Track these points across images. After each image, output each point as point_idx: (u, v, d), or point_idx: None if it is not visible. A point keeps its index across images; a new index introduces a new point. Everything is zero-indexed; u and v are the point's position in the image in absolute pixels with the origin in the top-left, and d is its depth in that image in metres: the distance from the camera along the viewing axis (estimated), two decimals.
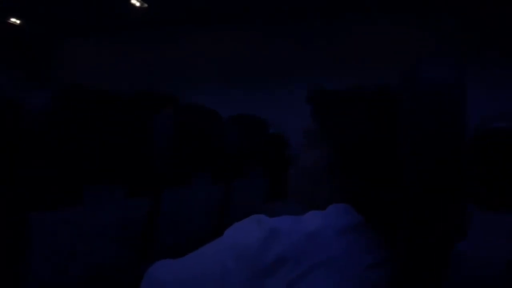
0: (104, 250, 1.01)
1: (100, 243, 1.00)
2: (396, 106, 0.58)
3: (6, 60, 2.59)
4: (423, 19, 4.05)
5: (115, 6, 2.51)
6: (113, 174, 1.10)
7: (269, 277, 0.52)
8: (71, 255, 0.96)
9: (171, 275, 0.61)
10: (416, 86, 0.52)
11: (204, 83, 3.82)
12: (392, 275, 0.56)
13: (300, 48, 4.14)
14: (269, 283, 0.52)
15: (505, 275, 0.95)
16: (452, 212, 0.53)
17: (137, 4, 2.67)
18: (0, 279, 0.96)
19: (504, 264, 0.97)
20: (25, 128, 1.12)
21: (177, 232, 1.40)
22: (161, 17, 2.93)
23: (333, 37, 4.19)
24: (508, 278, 0.95)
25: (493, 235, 1.05)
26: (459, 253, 0.63)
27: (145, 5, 2.68)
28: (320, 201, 0.62)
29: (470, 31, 3.90)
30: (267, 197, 2.09)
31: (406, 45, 3.91)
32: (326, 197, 0.62)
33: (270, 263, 0.52)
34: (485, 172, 1.28)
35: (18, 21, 2.41)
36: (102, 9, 2.39)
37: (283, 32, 4.12)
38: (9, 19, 2.38)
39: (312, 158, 0.66)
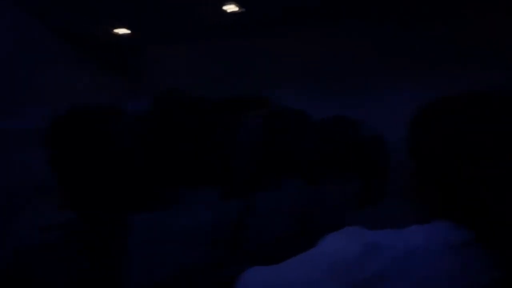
0: (197, 251, 1.04)
1: (193, 243, 1.03)
2: None
3: (107, 68, 2.79)
4: None
5: (205, 12, 2.60)
6: (207, 177, 1.13)
7: None
8: (166, 254, 1.00)
9: (264, 283, 0.60)
10: None
11: (296, 86, 3.81)
12: None
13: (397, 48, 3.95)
14: None
15: None
16: None
17: (228, 9, 2.75)
18: (99, 276, 1.02)
19: None
20: (125, 133, 1.18)
21: (266, 235, 1.40)
22: (250, 21, 2.98)
23: (439, 37, 3.93)
24: None
25: None
26: None
27: (235, 9, 2.75)
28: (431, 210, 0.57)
29: None
30: (360, 202, 2.02)
31: None
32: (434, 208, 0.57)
33: (368, 279, 0.49)
34: None
35: (121, 31, 2.59)
36: (193, 15, 2.49)
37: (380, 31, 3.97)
38: (113, 29, 2.57)
39: (421, 166, 0.60)
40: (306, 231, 1.58)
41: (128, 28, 2.66)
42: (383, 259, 0.49)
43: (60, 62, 2.59)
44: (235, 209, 1.21)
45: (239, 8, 2.65)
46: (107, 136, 1.15)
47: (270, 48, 3.39)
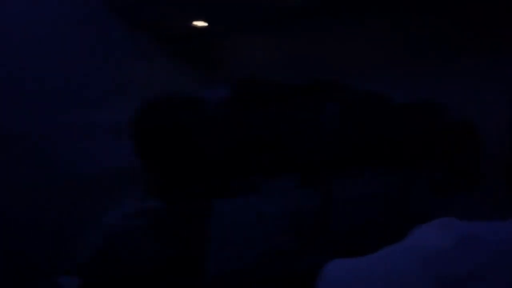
0: (277, 239, 1.04)
1: (274, 231, 1.03)
2: None
3: (187, 61, 2.87)
4: None
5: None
6: (287, 164, 1.12)
7: None
8: (247, 241, 1.01)
9: (348, 275, 0.58)
10: None
11: (375, 70, 3.67)
12: None
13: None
14: None
15: None
16: None
17: None
18: (183, 262, 1.05)
19: None
20: (206, 121, 1.20)
21: (348, 225, 1.37)
22: (323, 4, 2.91)
23: None
24: None
25: None
26: None
27: None
28: None
29: None
30: (448, 191, 1.91)
31: None
32: None
33: (463, 275, 0.45)
34: None
35: (199, 24, 2.65)
36: (269, 4, 2.47)
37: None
38: (193, 21, 2.63)
39: None
40: (390, 221, 1.53)
41: (205, 21, 2.71)
42: (479, 253, 0.45)
43: (141, 56, 2.71)
44: (314, 198, 1.20)
45: None
46: (187, 124, 1.18)
47: (347, 33, 3.29)
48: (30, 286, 2.13)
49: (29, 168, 2.24)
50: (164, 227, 1.15)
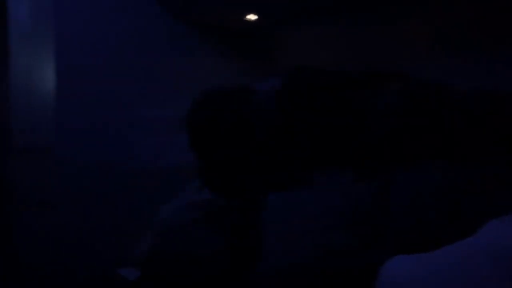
0: (332, 234, 1.00)
1: (330, 226, 1.00)
2: None
3: (241, 55, 2.87)
4: None
5: None
6: (343, 156, 1.08)
7: None
8: (302, 236, 0.98)
9: (411, 273, 0.54)
10: None
11: (434, 58, 3.50)
12: None
13: None
14: None
15: None
16: None
17: None
18: (238, 256, 1.04)
19: None
20: (257, 113, 1.18)
21: (409, 219, 1.30)
22: None
23: None
24: None
25: None
26: None
27: None
28: None
29: None
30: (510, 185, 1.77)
31: None
32: None
33: None
34: None
35: (253, 17, 2.64)
36: None
37: None
38: (245, 16, 2.63)
39: None
40: (453, 217, 1.44)
41: (256, 14, 2.70)
42: None
43: (196, 52, 2.74)
44: (372, 192, 1.14)
45: None
46: (240, 116, 1.17)
47: (405, 20, 3.15)
48: (90, 277, 2.22)
49: (94, 162, 2.34)
50: (219, 221, 1.15)
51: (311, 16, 2.74)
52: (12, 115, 2.99)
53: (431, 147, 1.42)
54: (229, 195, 1.20)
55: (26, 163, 2.67)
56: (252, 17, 2.65)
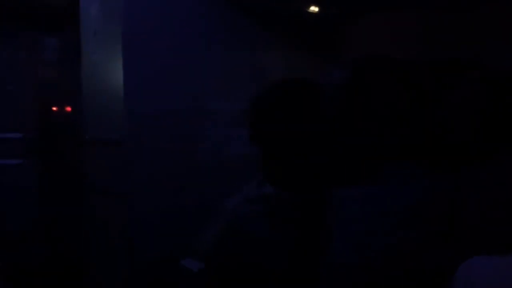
0: (405, 232, 0.95)
1: (402, 224, 0.94)
2: None
3: (305, 47, 2.81)
4: None
5: None
6: (415, 149, 1.02)
7: None
8: (374, 233, 0.93)
9: (490, 275, 0.49)
10: None
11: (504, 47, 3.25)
12: None
13: None
14: None
15: None
16: None
17: None
18: (301, 251, 1.02)
19: None
20: (324, 104, 1.14)
21: (486, 217, 1.21)
22: None
23: None
24: None
25: None
26: None
27: None
28: None
29: None
30: None
31: None
32: None
33: None
34: None
35: (316, 9, 2.58)
36: None
37: None
38: (309, 8, 2.58)
39: None
40: None
41: (317, 5, 2.64)
42: None
43: (259, 45, 2.72)
44: (448, 187, 1.07)
45: None
46: (304, 108, 1.14)
47: (476, 7, 2.94)
48: (156, 267, 2.29)
49: (161, 154, 2.40)
50: (283, 215, 1.13)
51: (376, 5, 2.64)
52: (84, 109, 3.15)
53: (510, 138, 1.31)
54: (293, 190, 1.17)
55: (97, 155, 2.80)
56: (314, 8, 2.60)
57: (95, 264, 2.80)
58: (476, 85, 1.13)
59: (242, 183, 1.30)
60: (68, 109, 3.95)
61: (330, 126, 1.10)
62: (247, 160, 2.47)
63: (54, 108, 3.97)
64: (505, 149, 1.27)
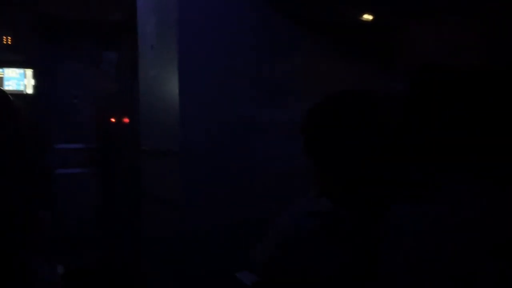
0: (466, 254, 0.90)
1: (463, 246, 0.90)
2: None
3: (359, 55, 2.77)
4: None
5: None
6: (476, 165, 0.97)
7: None
8: (429, 254, 0.90)
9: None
10: None
11: None
12: None
13: None
14: None
15: None
16: None
17: None
18: (356, 267, 0.99)
19: None
20: (383, 118, 1.12)
21: None
22: None
23: None
24: None
25: None
26: None
27: None
28: None
29: None
30: None
31: None
32: None
33: None
34: None
35: (370, 17, 2.54)
36: None
37: None
38: (361, 16, 2.54)
39: None
40: None
41: (371, 13, 2.59)
42: None
43: (311, 52, 2.70)
44: (505, 203, 1.01)
45: None
46: (363, 121, 1.11)
47: None
48: (211, 280, 2.31)
49: (215, 165, 2.43)
50: (338, 232, 1.11)
51: (430, 12, 2.56)
52: (141, 120, 3.26)
53: None
54: (350, 205, 1.15)
55: (153, 165, 2.89)
56: (368, 16, 2.56)
57: (150, 273, 2.87)
58: None
59: (297, 196, 1.29)
60: (126, 120, 4.11)
61: (390, 140, 1.08)
62: (302, 172, 2.45)
63: (113, 120, 4.14)
64: None
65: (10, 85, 3.81)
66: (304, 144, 1.24)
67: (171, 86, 2.50)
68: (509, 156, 1.07)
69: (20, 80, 3.84)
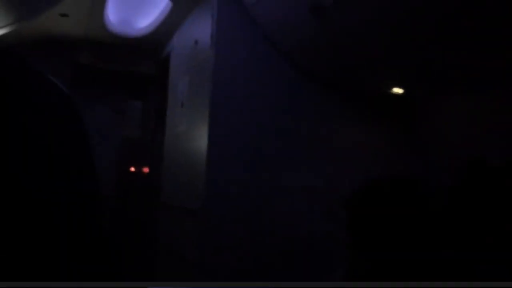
0: None
1: None
2: None
3: (386, 126, 2.80)
4: None
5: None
6: None
7: None
8: None
9: None
10: None
11: None
12: None
13: None
14: None
15: None
16: None
17: None
18: None
19: None
20: (429, 208, 1.13)
21: None
22: None
23: None
24: None
25: None
26: None
27: None
28: None
29: None
30: None
31: None
32: None
33: None
34: None
35: (400, 90, 2.60)
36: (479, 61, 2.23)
37: None
38: (392, 89, 2.59)
39: None
40: None
41: (401, 87, 2.65)
42: None
43: (339, 121, 2.74)
44: None
45: None
46: (409, 212, 1.13)
47: None
48: None
49: (240, 225, 2.42)
50: None
51: (459, 88, 2.61)
52: (164, 173, 3.29)
53: None
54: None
55: (174, 220, 2.88)
56: (398, 90, 2.62)
57: None
58: None
59: (316, 263, 1.29)
60: (146, 170, 4.13)
61: (435, 231, 1.09)
62: (326, 238, 2.44)
63: (132, 169, 4.16)
64: None
65: None
66: (347, 221, 1.26)
67: (200, 144, 2.54)
68: None
69: None
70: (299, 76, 2.63)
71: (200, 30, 2.74)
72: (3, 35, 2.37)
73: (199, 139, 2.57)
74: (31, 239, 0.33)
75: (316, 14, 2.04)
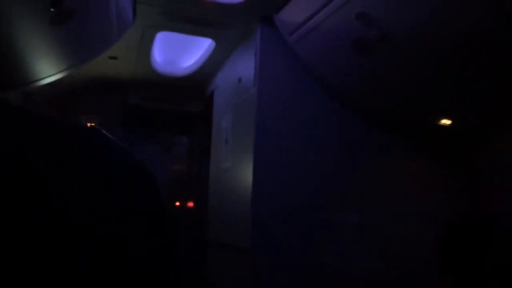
0: None
1: None
2: None
3: (433, 159, 2.71)
4: None
5: None
6: None
7: None
8: None
9: None
10: None
11: None
12: None
13: None
14: None
15: None
16: None
17: None
18: None
19: None
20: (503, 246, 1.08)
21: None
22: None
23: None
24: None
25: None
26: None
27: None
28: None
29: None
30: None
31: None
32: None
33: None
34: None
35: (448, 122, 2.52)
36: None
37: None
38: (440, 121, 2.52)
39: None
40: None
41: (449, 118, 2.57)
42: None
43: (390, 155, 2.68)
44: None
45: None
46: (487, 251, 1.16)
47: None
48: None
49: (287, 264, 2.37)
50: None
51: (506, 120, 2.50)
52: (209, 209, 3.31)
53: None
54: None
55: (223, 259, 2.87)
56: (446, 121, 2.54)
57: None
58: None
59: None
60: (191, 204, 4.18)
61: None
62: (377, 278, 2.35)
63: (177, 203, 4.22)
64: None
65: None
66: (441, 263, 1.36)
67: (245, 180, 2.54)
68: None
69: None
70: (345, 111, 2.61)
71: (243, 67, 2.79)
72: (58, 80, 2.50)
73: (244, 176, 2.58)
74: None
75: (360, 50, 2.03)
